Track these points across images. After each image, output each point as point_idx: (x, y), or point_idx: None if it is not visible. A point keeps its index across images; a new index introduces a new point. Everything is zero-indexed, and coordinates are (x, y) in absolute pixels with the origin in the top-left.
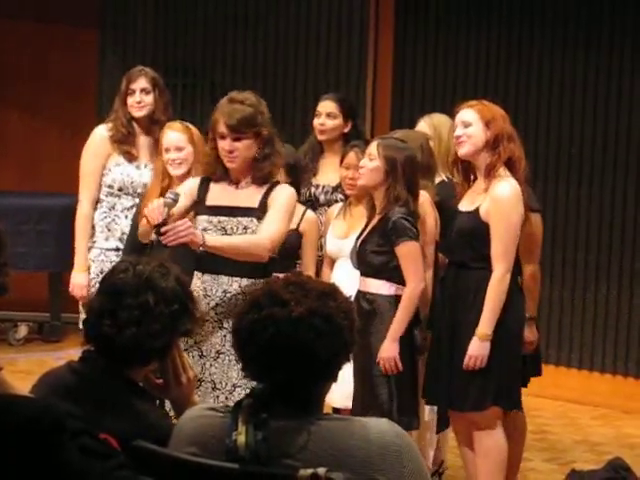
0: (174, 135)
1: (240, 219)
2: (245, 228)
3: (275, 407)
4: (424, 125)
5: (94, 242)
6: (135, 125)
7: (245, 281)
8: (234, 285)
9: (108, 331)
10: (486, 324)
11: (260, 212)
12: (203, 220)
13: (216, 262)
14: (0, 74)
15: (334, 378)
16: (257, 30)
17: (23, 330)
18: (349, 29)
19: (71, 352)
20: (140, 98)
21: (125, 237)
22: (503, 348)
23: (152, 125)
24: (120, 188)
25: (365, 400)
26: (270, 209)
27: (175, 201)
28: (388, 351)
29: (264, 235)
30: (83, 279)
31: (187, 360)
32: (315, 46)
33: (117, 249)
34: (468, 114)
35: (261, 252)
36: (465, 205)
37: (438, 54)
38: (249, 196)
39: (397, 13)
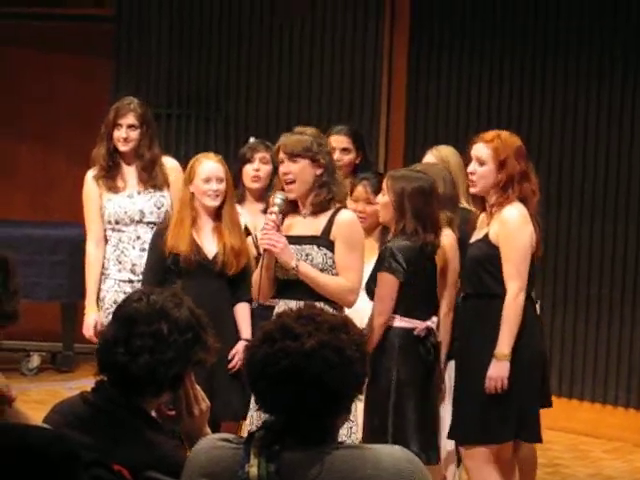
0: (215, 166)
1: (304, 247)
2: (307, 255)
3: (288, 439)
4: (431, 157)
5: (108, 274)
6: (118, 156)
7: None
8: None
9: (121, 359)
10: (504, 344)
11: (323, 240)
12: None
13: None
14: (12, 103)
15: (347, 410)
16: (271, 61)
17: (36, 360)
18: (363, 60)
19: (84, 382)
20: (126, 134)
21: (136, 268)
22: (522, 375)
23: (135, 158)
24: (117, 221)
25: (375, 433)
26: (340, 244)
27: (284, 201)
28: None
29: (349, 285)
30: (91, 320)
31: (200, 391)
32: (329, 77)
33: (130, 280)
34: (483, 151)
35: (345, 299)
36: (474, 235)
37: (452, 85)
38: (312, 224)
39: (411, 43)
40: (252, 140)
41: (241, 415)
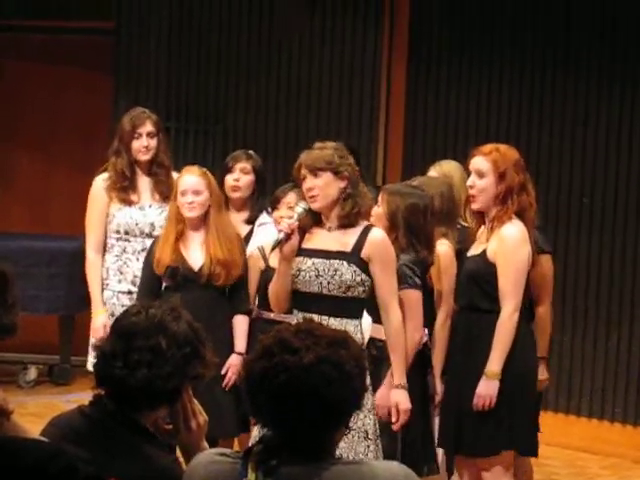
0: (192, 179)
1: (332, 261)
2: (335, 270)
3: (285, 453)
4: (434, 174)
5: (107, 284)
6: (136, 167)
7: (332, 320)
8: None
9: (119, 373)
10: (495, 362)
11: (355, 257)
12: (298, 261)
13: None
14: (12, 115)
15: (345, 425)
16: (270, 76)
17: (33, 373)
18: (362, 73)
19: (81, 395)
20: (147, 142)
21: (137, 280)
22: (515, 391)
23: (153, 167)
24: (126, 232)
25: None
26: (376, 264)
27: (306, 211)
28: (381, 400)
29: (398, 323)
30: (100, 322)
31: (197, 406)
32: (327, 91)
33: (129, 292)
34: (482, 164)
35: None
36: (472, 250)
37: (450, 98)
38: (340, 239)
39: (410, 56)
40: (251, 153)
41: (235, 431)
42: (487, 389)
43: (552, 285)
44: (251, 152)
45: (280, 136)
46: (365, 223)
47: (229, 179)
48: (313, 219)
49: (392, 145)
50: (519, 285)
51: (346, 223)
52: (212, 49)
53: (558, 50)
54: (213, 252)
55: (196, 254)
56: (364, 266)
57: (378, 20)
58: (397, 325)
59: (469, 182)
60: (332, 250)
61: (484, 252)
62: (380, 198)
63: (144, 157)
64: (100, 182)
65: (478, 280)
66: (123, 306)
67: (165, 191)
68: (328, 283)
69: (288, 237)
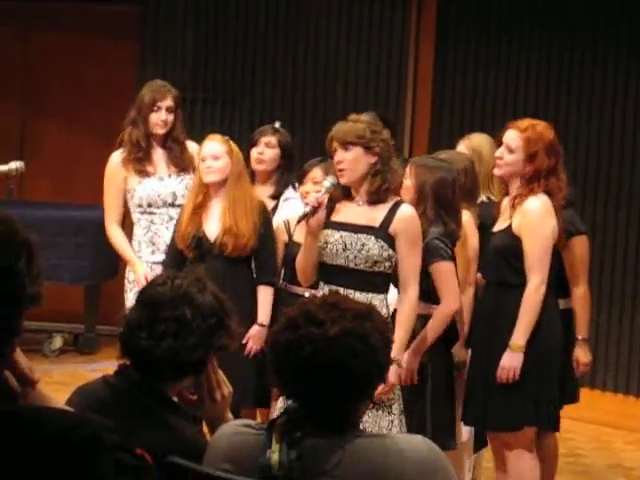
0: (213, 145)
1: (360, 236)
2: (363, 245)
3: (309, 425)
4: (463, 148)
5: (139, 257)
6: (152, 139)
7: (358, 294)
8: None
9: (144, 344)
10: (520, 335)
11: (382, 232)
12: (326, 234)
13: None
14: (39, 85)
15: (369, 397)
16: (297, 48)
17: (58, 341)
18: (390, 46)
19: (106, 364)
20: (166, 116)
21: None
22: (540, 366)
23: (168, 141)
24: (149, 204)
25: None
26: (402, 240)
27: (334, 185)
28: (409, 363)
29: (414, 300)
30: (141, 273)
31: (222, 376)
32: (355, 63)
33: (163, 262)
34: (515, 139)
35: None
36: (497, 226)
37: (478, 72)
38: (369, 214)
39: (437, 33)
40: (277, 125)
41: (258, 401)
42: (511, 361)
43: (588, 266)
44: (278, 127)
45: (308, 110)
46: (395, 198)
47: (254, 152)
48: (343, 193)
49: (419, 122)
50: (545, 258)
51: (375, 199)
52: (240, 20)
53: (587, 29)
54: (225, 221)
55: (213, 224)
56: (391, 242)
57: None
58: (413, 302)
59: (498, 153)
60: (360, 224)
61: (509, 227)
62: (408, 171)
63: (161, 130)
64: (116, 157)
65: (505, 255)
66: None
67: (180, 164)
68: (355, 257)
69: (315, 210)
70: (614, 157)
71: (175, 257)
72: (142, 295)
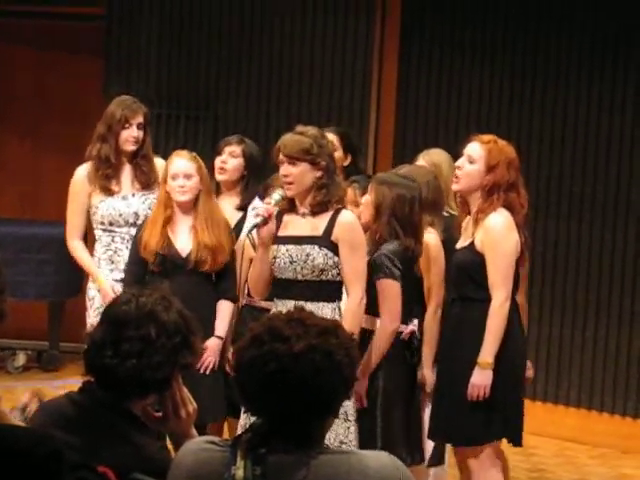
0: (183, 163)
1: (304, 247)
2: (308, 255)
3: (274, 442)
4: (423, 163)
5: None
6: (121, 155)
7: (310, 304)
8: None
9: (109, 362)
10: (487, 352)
11: (325, 240)
12: (274, 250)
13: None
14: (2, 100)
15: (334, 414)
16: (261, 63)
17: (22, 358)
18: (353, 61)
19: (69, 381)
20: (137, 133)
21: None
22: (506, 381)
23: (137, 158)
24: (110, 222)
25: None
26: (344, 245)
27: (282, 198)
28: (356, 387)
29: (356, 302)
30: (108, 286)
31: (186, 393)
32: (319, 77)
33: (122, 280)
34: (476, 150)
35: (362, 316)
36: (460, 243)
37: (442, 87)
38: (312, 224)
39: (402, 44)
40: (244, 139)
41: (231, 411)
42: (482, 379)
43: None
44: (245, 138)
45: (271, 122)
46: (336, 207)
47: (217, 161)
48: (289, 204)
49: (383, 134)
50: (509, 274)
51: (317, 210)
52: (203, 34)
53: (551, 40)
54: (201, 237)
55: (184, 240)
56: (335, 249)
57: (370, 5)
58: (353, 307)
59: (458, 162)
60: (304, 235)
61: (472, 243)
62: (369, 187)
63: (131, 147)
64: (82, 171)
65: (468, 271)
66: (116, 294)
67: (146, 180)
68: (302, 268)
69: (265, 222)
70: (576, 169)
71: (136, 274)
72: (107, 313)
